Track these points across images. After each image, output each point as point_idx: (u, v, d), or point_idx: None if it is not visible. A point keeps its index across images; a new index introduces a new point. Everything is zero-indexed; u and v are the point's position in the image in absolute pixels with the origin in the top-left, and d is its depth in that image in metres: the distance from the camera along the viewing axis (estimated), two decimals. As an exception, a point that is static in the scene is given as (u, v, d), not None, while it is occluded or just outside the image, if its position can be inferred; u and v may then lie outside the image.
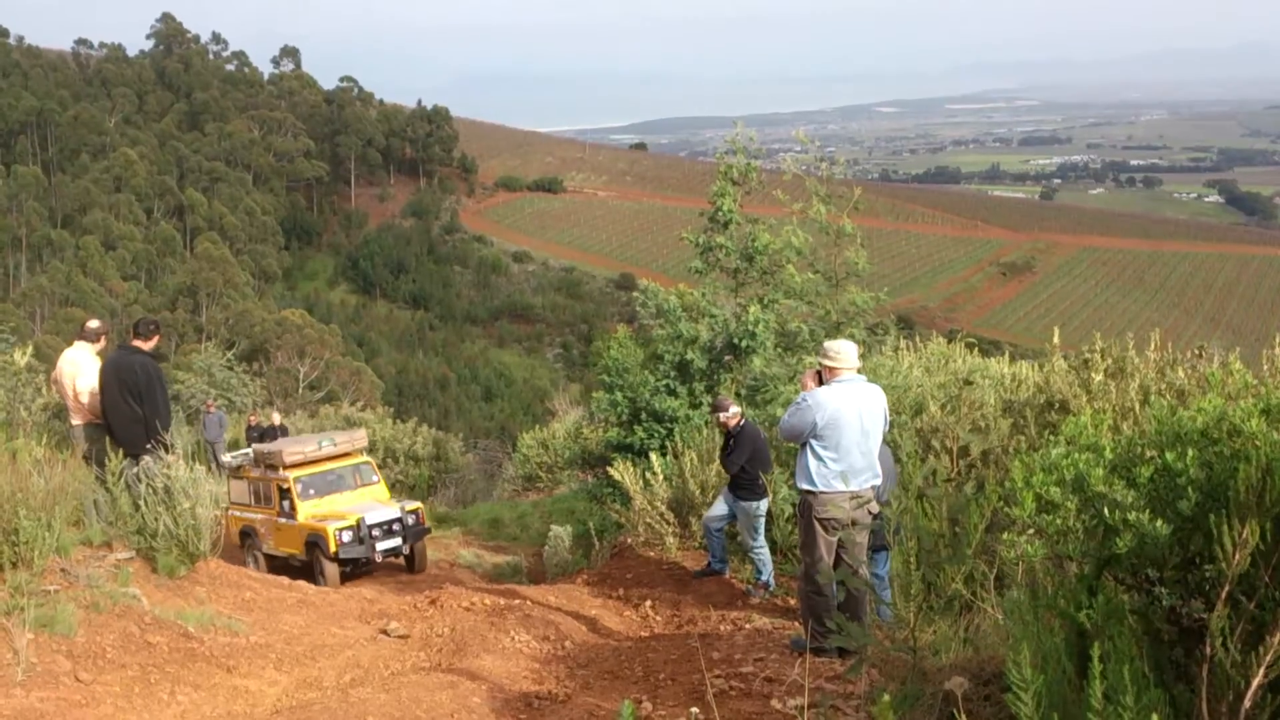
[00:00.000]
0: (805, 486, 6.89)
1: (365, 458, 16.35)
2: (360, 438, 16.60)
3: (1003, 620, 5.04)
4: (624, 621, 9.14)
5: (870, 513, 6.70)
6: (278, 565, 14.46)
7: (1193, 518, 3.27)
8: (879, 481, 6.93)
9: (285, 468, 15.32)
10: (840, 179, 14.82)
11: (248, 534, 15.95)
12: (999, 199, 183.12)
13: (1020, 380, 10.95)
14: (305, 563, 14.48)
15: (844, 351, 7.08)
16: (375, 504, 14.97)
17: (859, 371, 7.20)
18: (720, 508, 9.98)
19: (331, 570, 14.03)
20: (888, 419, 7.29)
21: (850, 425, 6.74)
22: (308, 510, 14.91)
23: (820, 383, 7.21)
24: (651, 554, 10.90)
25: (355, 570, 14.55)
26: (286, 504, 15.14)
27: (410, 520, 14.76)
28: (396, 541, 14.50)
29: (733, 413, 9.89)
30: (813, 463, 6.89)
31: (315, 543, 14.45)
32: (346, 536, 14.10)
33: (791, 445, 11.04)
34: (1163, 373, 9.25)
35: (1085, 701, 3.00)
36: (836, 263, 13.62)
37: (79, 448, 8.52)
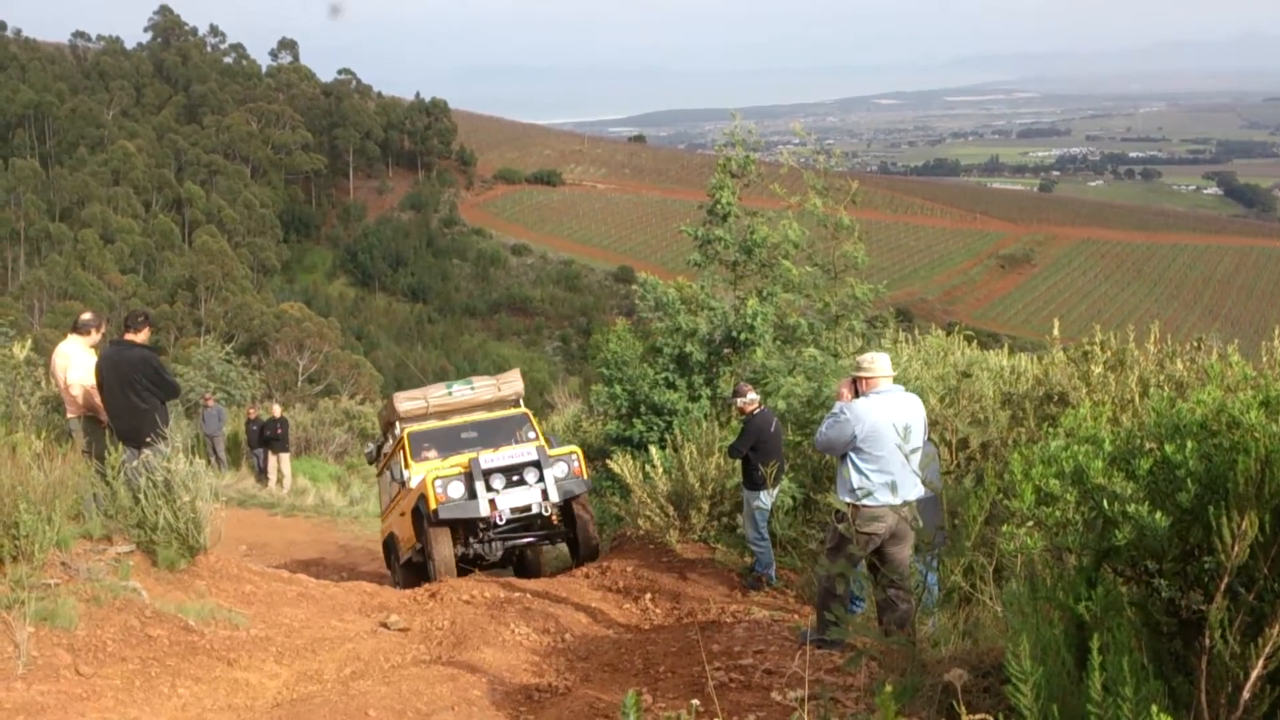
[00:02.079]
0: (846, 499, 6.84)
1: (521, 409, 12.94)
2: (511, 381, 13.12)
3: (1002, 612, 5.05)
4: (624, 614, 9.15)
5: (915, 525, 6.60)
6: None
7: (1192, 510, 3.28)
8: (920, 492, 6.83)
9: (400, 420, 12.53)
10: (838, 172, 14.81)
11: (389, 546, 13.15)
12: (998, 191, 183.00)
13: (1019, 372, 10.95)
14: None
15: (879, 362, 7.07)
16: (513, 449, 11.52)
17: (901, 381, 7.18)
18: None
19: (441, 549, 10.74)
20: (928, 428, 7.27)
21: (890, 437, 6.64)
22: (431, 471, 11.32)
23: (856, 393, 7.16)
24: (651, 546, 10.91)
25: (481, 555, 11.32)
26: (400, 470, 11.97)
27: (558, 468, 11.24)
28: (532, 495, 10.94)
29: (748, 399, 9.91)
30: (854, 475, 6.84)
31: (418, 510, 11.27)
32: (452, 489, 10.81)
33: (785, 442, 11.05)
34: (1162, 365, 9.27)
35: (1084, 693, 3.01)
36: (835, 255, 13.60)
37: (78, 441, 8.53)
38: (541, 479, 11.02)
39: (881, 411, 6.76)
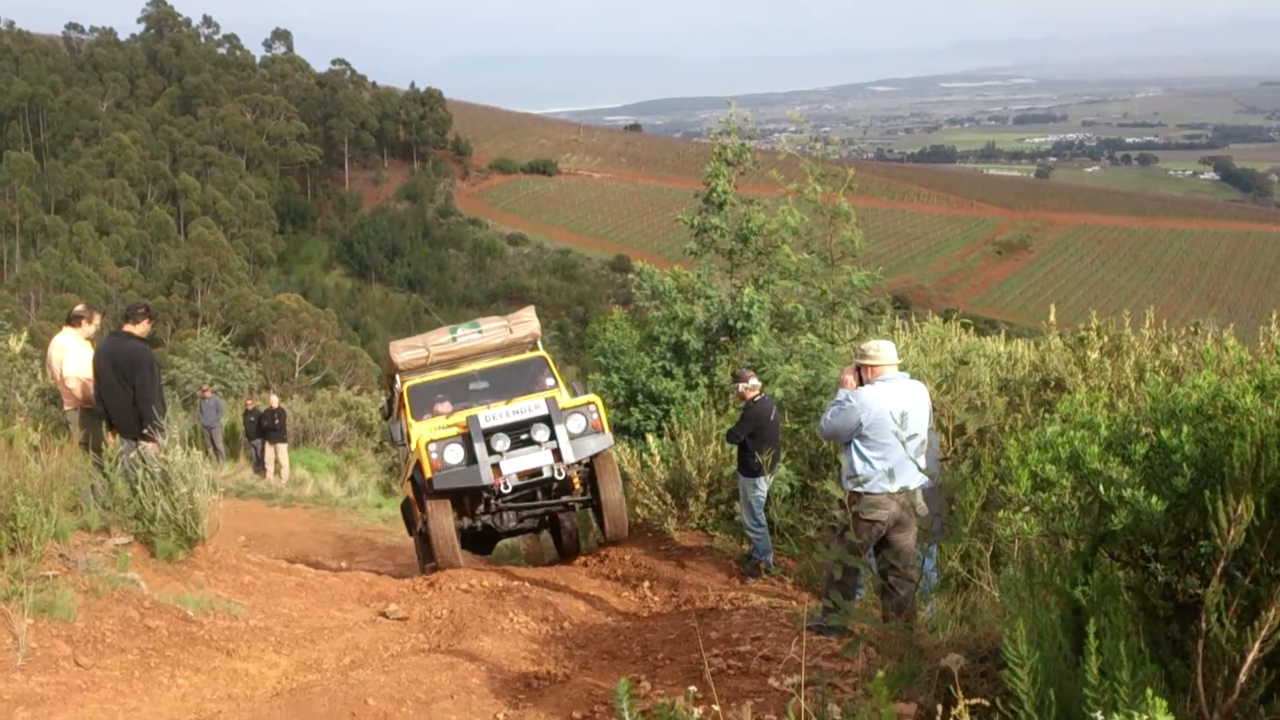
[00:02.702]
0: (850, 487, 6.83)
1: (539, 351, 11.66)
2: (525, 321, 11.64)
3: (999, 598, 5.06)
4: (622, 602, 9.17)
5: (918, 512, 6.60)
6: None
7: (1188, 494, 3.28)
8: (924, 481, 6.82)
9: (399, 373, 11.25)
10: (835, 159, 14.81)
11: (407, 513, 12.27)
12: (994, 177, 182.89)
13: (1016, 359, 10.96)
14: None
15: (884, 349, 7.07)
16: (520, 403, 10.20)
17: (900, 368, 7.18)
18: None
19: (441, 524, 9.67)
20: (932, 414, 7.28)
21: (884, 423, 6.63)
22: (425, 434, 10.09)
23: (860, 381, 7.15)
24: (649, 534, 10.92)
25: (492, 527, 10.38)
26: (399, 430, 10.89)
27: (573, 422, 9.88)
28: (542, 456, 9.71)
29: (750, 384, 9.92)
30: (858, 463, 6.84)
31: (414, 480, 10.53)
32: (449, 454, 9.64)
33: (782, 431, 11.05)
34: (1158, 350, 9.27)
35: (1081, 677, 3.02)
36: (832, 242, 13.61)
37: (75, 433, 8.52)
38: (553, 437, 9.70)
39: (888, 399, 6.75)
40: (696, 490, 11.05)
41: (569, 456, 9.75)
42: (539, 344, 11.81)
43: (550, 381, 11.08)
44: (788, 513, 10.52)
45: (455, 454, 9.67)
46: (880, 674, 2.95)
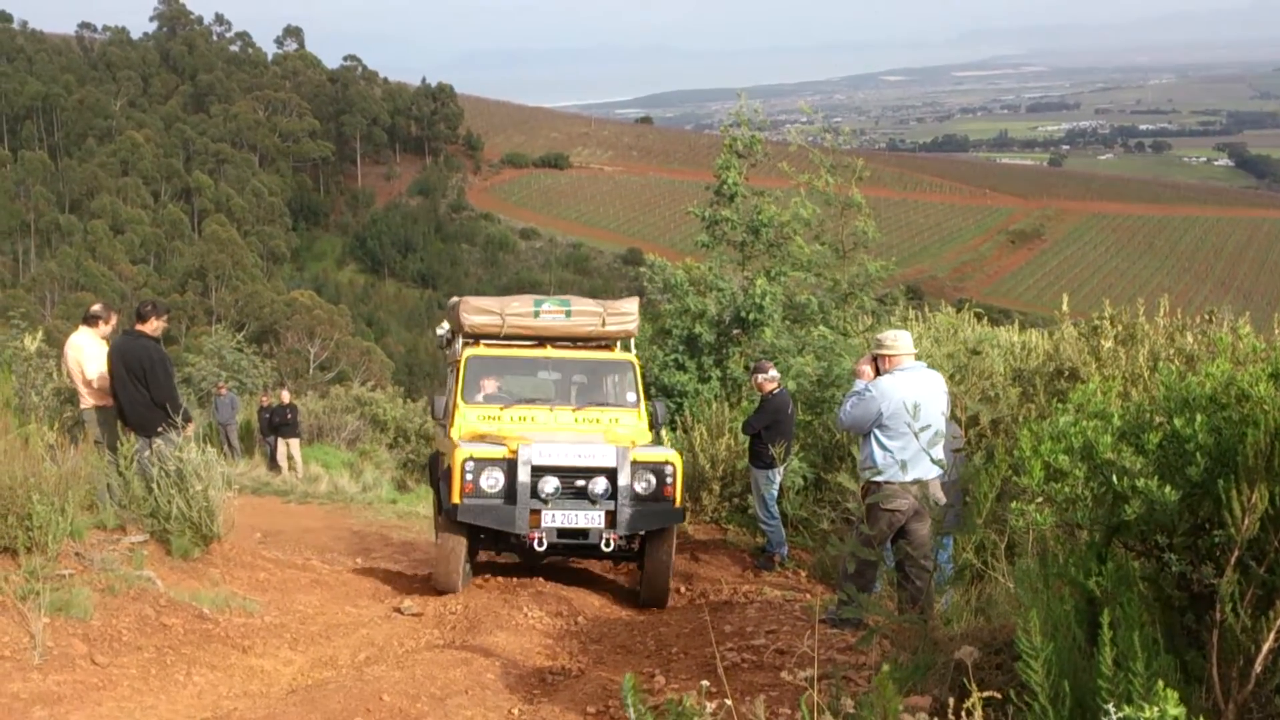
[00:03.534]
0: (870, 477, 6.81)
1: (630, 355, 10.00)
2: (623, 315, 9.91)
3: (1013, 589, 5.05)
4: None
5: (936, 502, 6.58)
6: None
7: (1202, 484, 3.26)
8: (941, 472, 6.81)
9: (464, 334, 9.76)
10: (846, 149, 14.77)
11: (434, 473, 10.68)
12: (1007, 166, 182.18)
13: (1029, 348, 10.92)
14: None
15: (901, 339, 7.09)
16: (584, 439, 8.81)
17: (916, 358, 7.17)
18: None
19: (450, 560, 8.58)
20: (949, 404, 7.28)
21: (917, 413, 6.61)
22: (472, 423, 9.12)
23: (877, 371, 7.15)
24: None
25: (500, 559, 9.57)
26: (443, 403, 9.65)
27: (641, 482, 8.43)
28: (593, 518, 8.33)
29: (769, 376, 9.92)
30: (878, 452, 6.84)
31: (438, 490, 9.66)
32: (486, 480, 8.32)
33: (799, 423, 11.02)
34: (1172, 338, 9.23)
35: (1096, 668, 3.01)
36: (844, 234, 13.58)
37: (90, 431, 8.56)
38: (613, 496, 8.29)
39: (907, 388, 6.75)
40: (710, 483, 11.05)
41: (625, 527, 8.32)
42: (632, 346, 10.19)
43: (632, 397, 9.53)
44: (801, 505, 10.52)
45: (494, 482, 8.31)
46: (886, 669, 2.94)
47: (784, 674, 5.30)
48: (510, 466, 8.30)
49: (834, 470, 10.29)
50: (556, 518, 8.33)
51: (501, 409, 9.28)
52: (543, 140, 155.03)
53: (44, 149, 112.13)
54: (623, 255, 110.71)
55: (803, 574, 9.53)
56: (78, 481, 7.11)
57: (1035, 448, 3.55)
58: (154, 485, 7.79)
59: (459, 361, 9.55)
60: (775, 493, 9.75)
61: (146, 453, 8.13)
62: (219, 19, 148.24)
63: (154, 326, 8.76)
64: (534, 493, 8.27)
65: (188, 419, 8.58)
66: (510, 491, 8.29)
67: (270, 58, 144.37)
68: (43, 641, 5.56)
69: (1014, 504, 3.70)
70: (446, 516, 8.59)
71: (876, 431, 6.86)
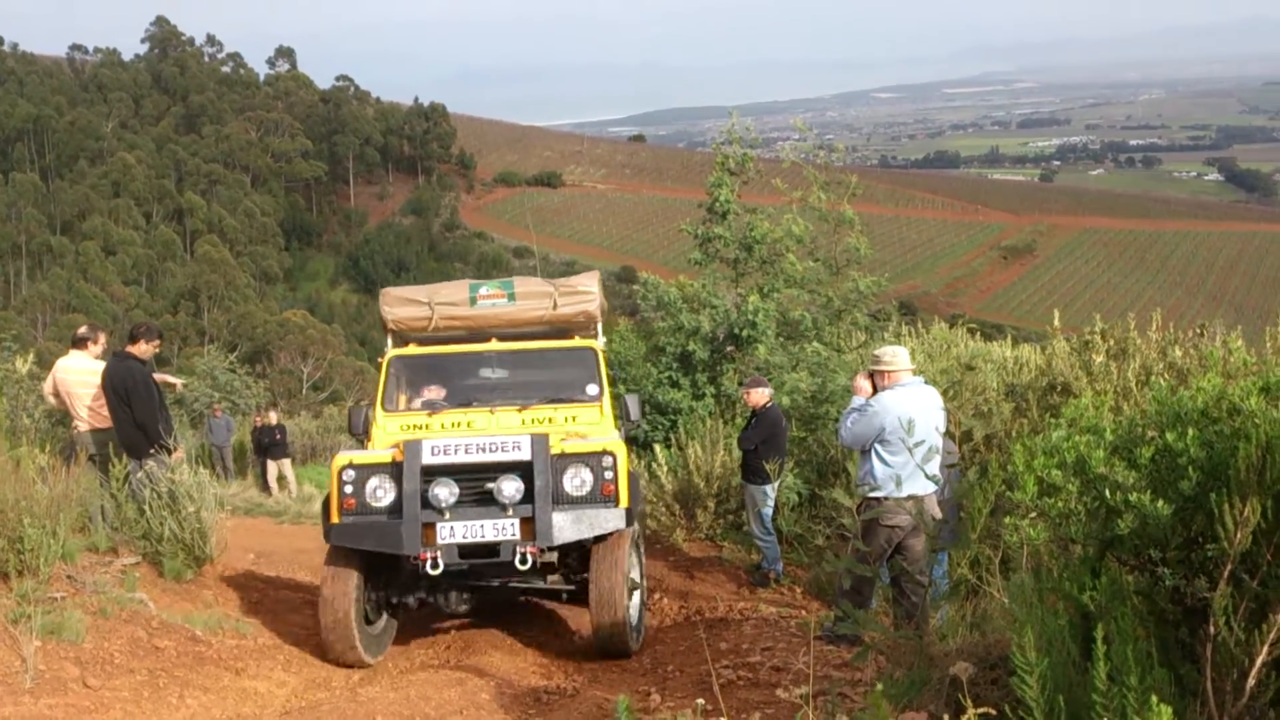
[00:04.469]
0: (871, 493, 6.81)
1: (591, 342, 8.54)
2: (579, 294, 8.49)
3: (1008, 604, 5.05)
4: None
5: (933, 517, 6.59)
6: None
7: (1194, 497, 3.27)
8: (937, 487, 6.84)
9: (390, 332, 8.59)
10: (838, 166, 14.81)
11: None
12: (998, 182, 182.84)
13: (1022, 363, 10.95)
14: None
15: (900, 355, 7.13)
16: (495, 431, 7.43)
17: (914, 374, 7.19)
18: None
19: (336, 600, 6.76)
20: (945, 420, 7.30)
21: (915, 428, 6.65)
22: (393, 435, 7.69)
23: (874, 386, 7.17)
24: (658, 546, 10.90)
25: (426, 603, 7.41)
26: (361, 416, 8.15)
27: (571, 478, 6.88)
28: (503, 527, 6.72)
29: (761, 392, 9.92)
30: (879, 468, 6.85)
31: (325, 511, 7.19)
32: (369, 490, 6.78)
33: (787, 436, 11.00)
34: (1164, 353, 9.25)
35: (1090, 683, 3.01)
36: (837, 250, 13.60)
37: (82, 453, 8.53)
38: (529, 499, 6.66)
39: (908, 404, 6.78)
40: (704, 500, 11.03)
41: (548, 536, 6.62)
42: (597, 330, 8.71)
43: (593, 389, 8.04)
44: (796, 521, 10.50)
45: (383, 494, 6.75)
46: (880, 686, 2.94)
47: (780, 691, 5.29)
48: (396, 471, 6.72)
49: (828, 486, 10.28)
50: (456, 531, 6.66)
51: (430, 415, 7.87)
52: (536, 159, 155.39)
53: (35, 171, 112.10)
54: (616, 273, 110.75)
55: (798, 590, 9.50)
56: (69, 504, 7.08)
57: (1029, 463, 3.55)
58: (146, 507, 7.76)
59: (383, 364, 8.24)
60: (771, 509, 9.73)
61: (139, 474, 8.10)
62: (210, 40, 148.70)
63: (143, 349, 8.72)
64: (426, 501, 6.65)
65: (175, 446, 8.48)
66: (392, 503, 6.74)
67: (262, 78, 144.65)
68: (34, 665, 5.53)
69: (1008, 519, 3.70)
70: (326, 539, 6.93)
71: (878, 447, 6.87)
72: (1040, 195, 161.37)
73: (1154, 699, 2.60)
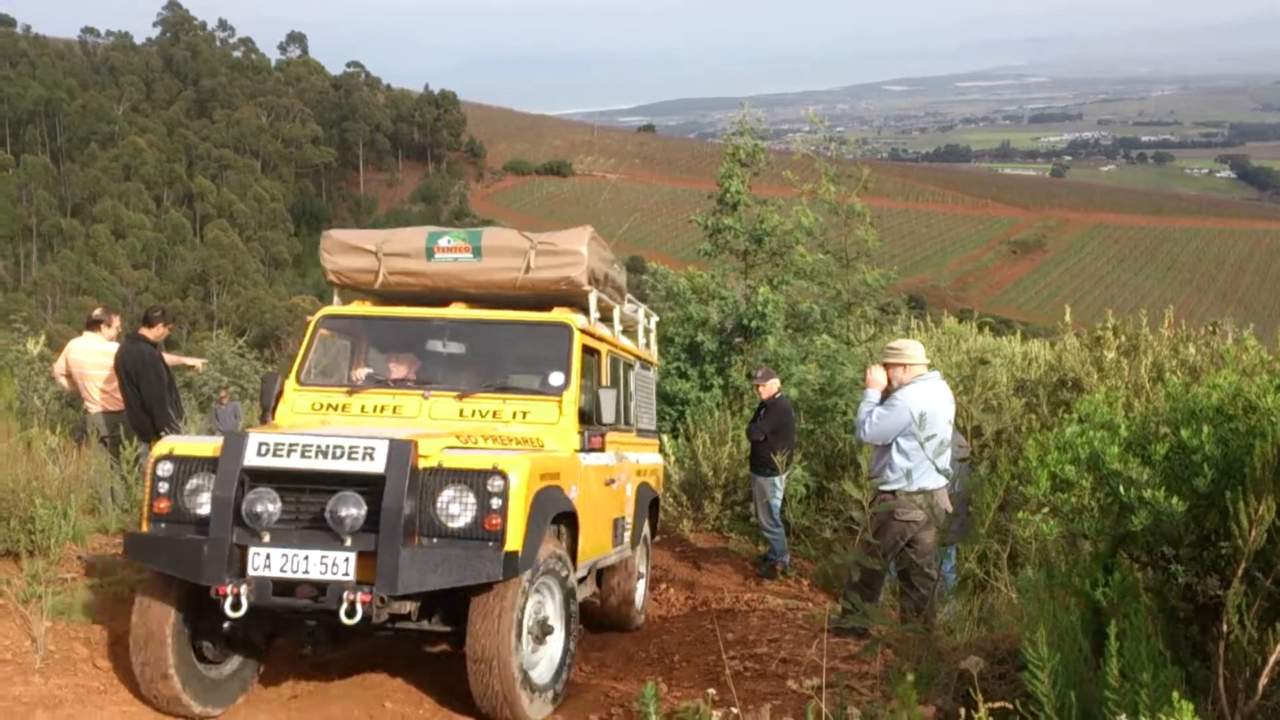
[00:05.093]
0: (891, 487, 6.77)
1: (569, 316, 6.66)
2: (564, 252, 6.69)
3: (1016, 599, 5.04)
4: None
5: (944, 511, 6.56)
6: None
7: (1208, 495, 3.26)
8: (947, 481, 6.81)
9: (336, 285, 7.23)
10: (849, 159, 14.79)
11: None
12: (1009, 177, 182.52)
13: (1032, 359, 10.94)
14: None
15: (919, 349, 7.09)
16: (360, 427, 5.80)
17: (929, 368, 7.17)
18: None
19: (149, 629, 5.17)
20: (954, 415, 7.29)
21: (935, 423, 6.63)
22: (299, 413, 6.47)
23: (889, 380, 7.12)
24: (665, 536, 10.92)
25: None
26: (272, 388, 6.54)
27: (446, 503, 5.11)
28: (335, 560, 5.00)
29: (771, 384, 9.92)
30: (899, 460, 6.81)
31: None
32: (189, 490, 5.27)
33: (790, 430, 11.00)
34: (1176, 350, 9.23)
35: (1102, 679, 3.00)
36: (847, 242, 13.58)
37: (94, 435, 8.55)
38: (373, 525, 4.99)
39: (931, 398, 6.77)
40: (712, 491, 11.04)
41: (390, 581, 4.91)
42: (591, 300, 6.88)
43: (558, 379, 6.32)
44: (804, 514, 10.51)
45: (202, 500, 5.20)
46: (910, 677, 2.94)
47: (790, 683, 5.29)
48: (211, 469, 5.19)
49: (836, 479, 10.29)
50: (273, 560, 5.03)
51: (349, 394, 6.44)
52: (546, 148, 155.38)
53: (46, 153, 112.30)
54: (625, 263, 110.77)
55: (805, 582, 9.51)
56: (80, 485, 7.11)
57: (1042, 458, 3.55)
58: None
59: (309, 326, 6.91)
60: (779, 501, 9.74)
61: (149, 456, 8.11)
62: (222, 24, 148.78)
63: (158, 332, 8.76)
64: (240, 514, 5.07)
65: (182, 430, 8.49)
66: (194, 510, 5.22)
67: (274, 64, 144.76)
68: (45, 645, 5.55)
69: (1020, 514, 3.69)
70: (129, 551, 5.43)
71: (900, 440, 6.82)
72: (1051, 190, 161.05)
73: (1175, 695, 2.60)
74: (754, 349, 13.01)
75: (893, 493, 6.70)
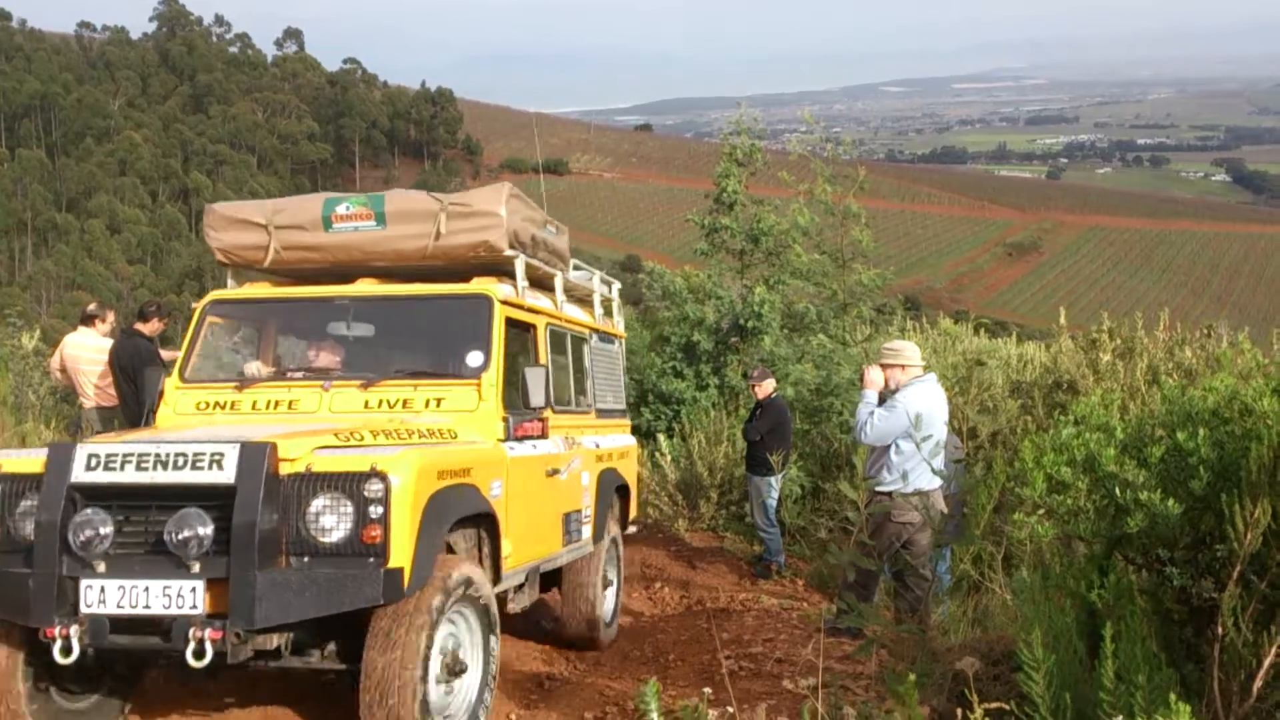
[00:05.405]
0: (888, 488, 6.76)
1: (489, 288, 5.79)
2: (481, 213, 5.85)
3: (1011, 601, 5.06)
4: (633, 603, 9.16)
5: (940, 512, 6.56)
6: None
7: (1204, 497, 3.27)
8: (942, 482, 6.81)
9: (224, 266, 6.49)
10: (846, 159, 14.80)
11: None
12: (1006, 179, 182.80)
13: (1028, 361, 10.96)
14: None
15: (915, 351, 7.09)
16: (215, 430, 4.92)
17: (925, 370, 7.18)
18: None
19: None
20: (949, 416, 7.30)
21: (932, 425, 6.62)
22: (181, 414, 5.79)
23: (885, 380, 7.11)
24: (660, 535, 10.92)
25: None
26: (155, 380, 6.02)
27: (316, 516, 4.27)
28: (179, 591, 4.21)
29: (767, 384, 9.92)
30: (896, 461, 6.81)
31: None
32: (19, 514, 4.45)
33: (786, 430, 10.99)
34: (1171, 352, 9.26)
35: (1097, 681, 3.01)
36: (843, 243, 13.58)
37: (88, 430, 8.55)
38: (224, 548, 4.22)
39: (929, 400, 6.78)
40: (707, 491, 11.05)
41: (246, 614, 4.15)
42: (518, 266, 6.00)
43: (476, 360, 5.50)
44: (799, 514, 10.52)
45: (29, 522, 4.40)
46: (911, 677, 2.94)
47: (786, 683, 5.30)
48: (38, 485, 4.39)
49: (832, 479, 10.29)
50: (108, 595, 4.26)
51: (238, 389, 5.67)
52: (542, 146, 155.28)
53: (42, 148, 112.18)
54: (621, 262, 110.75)
55: (800, 582, 9.52)
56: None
57: (1038, 459, 3.56)
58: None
59: (195, 313, 6.15)
60: (775, 500, 9.74)
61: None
62: (219, 20, 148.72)
63: (153, 327, 8.76)
64: (68, 546, 4.25)
65: None
66: (28, 536, 4.39)
67: (270, 59, 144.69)
68: (39, 640, 5.53)
69: (1015, 515, 3.70)
70: None
71: (899, 442, 6.81)
72: (1047, 192, 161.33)
73: (1173, 697, 2.61)
74: (750, 349, 13.01)
75: (889, 494, 6.70)
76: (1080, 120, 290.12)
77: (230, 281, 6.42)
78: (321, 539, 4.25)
